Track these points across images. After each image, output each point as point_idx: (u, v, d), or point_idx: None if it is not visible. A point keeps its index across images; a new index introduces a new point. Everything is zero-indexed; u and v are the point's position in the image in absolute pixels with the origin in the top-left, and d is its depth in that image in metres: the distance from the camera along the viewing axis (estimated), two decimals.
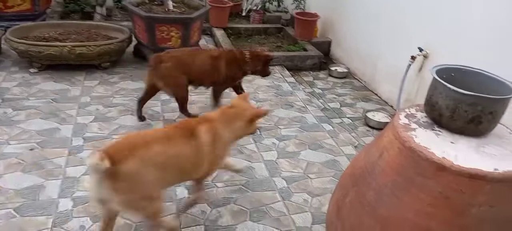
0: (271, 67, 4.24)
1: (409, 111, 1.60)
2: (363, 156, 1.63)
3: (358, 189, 1.56)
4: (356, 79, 4.34)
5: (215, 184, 2.36)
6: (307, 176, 2.53)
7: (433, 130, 1.47)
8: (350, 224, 1.55)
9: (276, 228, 2.08)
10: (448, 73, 1.55)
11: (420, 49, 3.33)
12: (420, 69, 3.42)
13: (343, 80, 4.26)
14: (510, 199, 1.28)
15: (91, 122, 2.86)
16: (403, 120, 1.52)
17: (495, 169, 1.26)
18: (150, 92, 2.92)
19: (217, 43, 4.78)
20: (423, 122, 1.52)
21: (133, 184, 1.64)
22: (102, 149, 1.58)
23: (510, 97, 1.34)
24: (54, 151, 2.50)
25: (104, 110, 3.03)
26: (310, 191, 2.40)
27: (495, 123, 1.41)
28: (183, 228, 2.02)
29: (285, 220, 2.15)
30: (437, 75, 1.46)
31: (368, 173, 1.53)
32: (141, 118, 2.94)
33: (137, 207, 1.72)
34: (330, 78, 4.29)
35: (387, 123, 3.31)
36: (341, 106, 3.64)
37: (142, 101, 2.94)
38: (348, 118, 3.44)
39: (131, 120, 2.93)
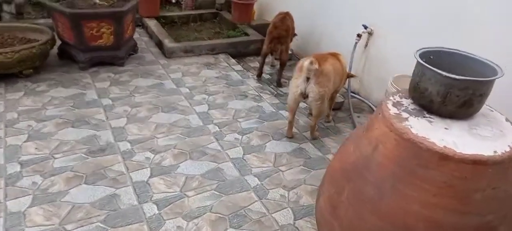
0: (215, 56, 4.11)
1: (395, 99, 1.57)
2: (353, 149, 1.58)
3: (354, 185, 1.50)
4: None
5: (185, 194, 2.17)
6: (278, 169, 2.45)
7: (424, 117, 1.45)
8: (349, 223, 1.50)
9: None
10: (427, 57, 1.54)
11: (365, 27, 3.38)
12: (366, 45, 3.49)
13: (289, 63, 4.21)
14: (508, 177, 1.31)
15: (25, 142, 2.46)
16: (392, 109, 1.49)
17: (495, 152, 1.27)
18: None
19: (151, 35, 4.44)
20: (411, 109, 1.50)
21: (327, 80, 2.57)
22: (310, 57, 2.49)
23: (498, 77, 1.36)
24: None
25: (38, 126, 2.63)
26: (284, 185, 2.32)
27: (483, 103, 1.43)
28: None
29: (266, 221, 2.05)
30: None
31: (363, 167, 1.48)
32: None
33: (323, 100, 2.60)
34: (275, 62, 4.22)
35: (342, 102, 3.37)
36: None
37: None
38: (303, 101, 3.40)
39: (75, 133, 2.58)
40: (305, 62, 2.49)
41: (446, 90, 1.38)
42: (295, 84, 2.59)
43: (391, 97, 1.58)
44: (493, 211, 1.30)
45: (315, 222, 2.04)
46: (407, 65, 2.91)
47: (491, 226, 1.31)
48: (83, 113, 2.81)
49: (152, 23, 4.59)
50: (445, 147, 1.28)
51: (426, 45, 1.58)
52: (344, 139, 1.97)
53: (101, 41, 3.45)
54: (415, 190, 1.33)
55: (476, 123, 1.43)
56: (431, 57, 1.54)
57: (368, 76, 3.53)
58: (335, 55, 2.80)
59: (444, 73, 1.36)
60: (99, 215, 1.97)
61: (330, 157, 2.62)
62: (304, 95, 2.58)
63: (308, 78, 2.53)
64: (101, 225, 1.92)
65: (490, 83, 1.38)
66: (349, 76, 3.11)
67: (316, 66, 2.46)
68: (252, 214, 2.09)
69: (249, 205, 2.15)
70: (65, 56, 3.61)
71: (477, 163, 1.25)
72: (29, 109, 2.82)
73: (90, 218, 1.95)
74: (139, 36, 4.42)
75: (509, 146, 1.31)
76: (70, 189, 2.12)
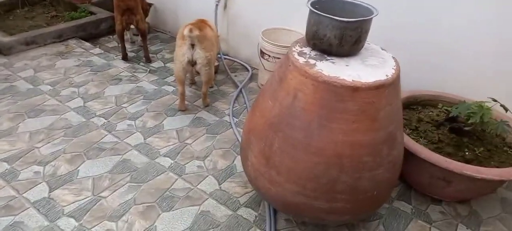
0: (64, 43, 3.64)
1: (297, 49, 1.76)
2: (272, 104, 1.72)
3: (283, 134, 1.67)
4: (160, 31, 4.20)
5: (100, 196, 2.00)
6: (185, 143, 2.46)
7: (326, 60, 1.68)
8: (286, 167, 1.67)
9: (194, 206, 2.00)
10: (314, 6, 1.76)
11: None
12: (225, 7, 3.62)
13: (149, 36, 4.05)
14: (396, 93, 1.66)
15: None
16: (300, 59, 1.67)
17: (387, 76, 1.59)
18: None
19: None
20: (314, 55, 1.71)
21: (211, 44, 2.65)
22: (187, 25, 2.48)
23: (376, 15, 1.66)
24: None
25: None
26: (197, 156, 2.36)
27: (366, 39, 1.74)
28: None
29: (194, 194, 2.08)
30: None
31: (287, 116, 1.65)
32: None
33: (211, 64, 2.65)
34: (134, 38, 4.00)
35: (217, 65, 3.46)
36: (164, 64, 3.51)
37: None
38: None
39: None
40: (184, 31, 2.48)
41: (342, 33, 1.62)
42: (181, 53, 2.57)
43: (293, 49, 1.76)
44: (392, 122, 1.65)
45: (238, 180, 2.19)
46: (267, 19, 3.22)
47: (393, 135, 1.66)
48: None
49: None
50: (353, 80, 1.54)
51: None
52: (254, 99, 2.09)
53: None
54: (338, 122, 1.57)
55: (364, 56, 1.73)
56: (317, 6, 1.76)
57: (233, 36, 3.70)
58: (204, 21, 2.85)
59: (339, 18, 1.59)
60: None
61: (227, 118, 2.75)
62: (192, 63, 2.59)
63: (193, 45, 2.54)
64: None
65: (371, 20, 1.68)
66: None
67: (196, 32, 2.49)
68: (178, 192, 2.08)
69: (171, 185, 2.12)
70: None
71: (379, 87, 1.55)
72: None
73: None
74: None
75: (393, 68, 1.65)
76: None
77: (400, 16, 2.58)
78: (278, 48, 2.95)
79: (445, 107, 2.42)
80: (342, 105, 1.55)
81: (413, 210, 2.12)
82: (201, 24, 2.69)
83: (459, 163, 1.95)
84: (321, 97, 1.57)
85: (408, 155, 2.03)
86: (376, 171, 1.66)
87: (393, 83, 1.60)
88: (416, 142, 2.11)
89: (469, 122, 2.06)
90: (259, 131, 1.78)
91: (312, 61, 1.65)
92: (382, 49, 1.82)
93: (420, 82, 2.61)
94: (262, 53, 3.08)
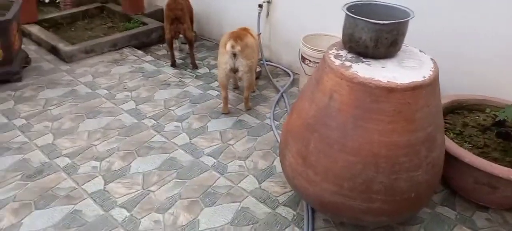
0: (119, 52, 3.92)
1: (333, 52, 1.81)
2: (309, 105, 1.78)
3: (319, 135, 1.72)
4: (205, 39, 4.40)
5: (149, 190, 2.16)
6: (227, 144, 2.57)
7: (362, 62, 1.71)
8: (323, 166, 1.72)
9: (235, 202, 2.10)
10: (350, 10, 1.80)
11: None
12: (267, 15, 3.73)
13: (196, 44, 4.25)
14: (435, 95, 1.66)
15: None
16: (336, 61, 1.72)
17: (424, 77, 1.60)
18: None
19: (39, 42, 4.00)
20: (350, 58, 1.75)
21: (252, 51, 2.77)
22: (230, 39, 2.62)
23: (413, 17, 1.68)
24: None
25: None
26: (239, 156, 2.46)
27: (403, 41, 1.75)
28: None
29: (236, 191, 2.18)
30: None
31: (324, 116, 1.70)
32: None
33: (252, 71, 2.80)
34: (182, 46, 4.21)
35: (259, 71, 3.57)
36: (210, 70, 3.68)
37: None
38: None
39: None
40: (227, 46, 2.62)
41: (377, 35, 1.65)
42: (223, 61, 2.69)
43: (330, 52, 1.81)
44: (431, 124, 1.65)
45: (277, 180, 2.26)
46: (307, 25, 3.27)
47: (432, 136, 1.66)
48: None
49: (35, 29, 4.14)
50: (388, 81, 1.56)
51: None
52: (293, 101, 2.16)
53: None
54: (373, 123, 1.60)
55: (401, 58, 1.75)
56: (353, 10, 1.80)
57: (275, 43, 3.80)
58: (246, 30, 2.97)
59: (374, 21, 1.63)
60: None
61: (268, 121, 2.83)
62: (234, 70, 2.71)
63: (234, 54, 2.66)
64: None
65: (407, 23, 1.70)
66: None
67: (238, 48, 2.62)
68: (220, 189, 2.19)
69: (214, 183, 2.24)
70: None
71: (415, 88, 1.56)
72: None
73: None
74: (24, 46, 3.95)
75: (430, 70, 1.65)
76: (22, 219, 1.93)
77: (446, 21, 2.54)
78: (318, 53, 3.00)
79: (493, 112, 2.34)
80: (377, 106, 1.58)
81: (457, 216, 2.07)
82: (242, 32, 2.81)
83: (505, 168, 1.89)
84: (356, 98, 1.61)
85: (452, 159, 2.00)
86: (414, 173, 1.66)
87: (430, 85, 1.61)
88: (460, 146, 2.07)
89: None
90: (296, 131, 1.85)
91: (348, 63, 1.69)
92: (421, 52, 1.83)
93: (466, 88, 2.55)
94: (303, 59, 3.15)
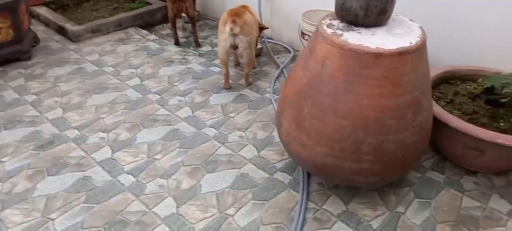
0: (124, 31, 4.02)
1: (326, 22, 1.89)
2: (303, 72, 1.88)
3: (312, 101, 1.82)
4: (209, 19, 4.47)
5: (153, 158, 2.28)
6: (228, 116, 2.68)
7: (353, 30, 1.79)
8: (316, 130, 1.82)
9: (234, 169, 2.22)
10: None
11: None
12: None
13: (199, 23, 4.33)
14: (421, 61, 1.74)
15: None
16: (328, 30, 1.80)
17: (411, 43, 1.68)
18: None
19: (47, 23, 4.12)
20: (342, 26, 1.83)
21: (251, 28, 2.85)
22: (229, 19, 2.70)
23: None
24: None
25: None
26: (239, 127, 2.57)
27: (392, 10, 1.83)
28: None
29: (235, 159, 2.29)
30: None
31: (316, 83, 1.80)
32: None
33: (251, 47, 2.87)
34: (185, 25, 4.30)
35: (261, 48, 3.65)
36: (212, 48, 3.77)
37: None
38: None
39: (11, 134, 2.43)
40: (226, 27, 2.71)
41: (367, 3, 1.73)
42: (223, 38, 2.78)
43: (323, 22, 1.90)
44: (417, 88, 1.73)
45: (275, 149, 2.37)
46: (307, 2, 3.33)
47: (418, 100, 1.75)
48: (11, 114, 2.63)
49: (43, 11, 4.25)
50: (377, 47, 1.65)
51: None
52: (290, 70, 2.24)
53: None
54: (362, 87, 1.69)
55: (391, 26, 1.83)
56: None
57: (276, 20, 3.86)
58: (245, 7, 3.03)
59: None
60: (78, 198, 2.00)
61: (267, 95, 2.93)
62: (234, 47, 2.80)
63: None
64: (85, 205, 1.96)
65: None
66: (263, 28, 3.31)
67: (237, 29, 2.70)
68: (221, 157, 2.31)
69: (215, 151, 2.36)
70: None
71: (402, 54, 1.65)
72: None
73: (71, 202, 1.97)
74: (33, 27, 4.06)
75: (418, 37, 1.73)
76: (36, 184, 2.07)
77: None
78: None
79: (485, 82, 2.41)
80: (366, 71, 1.67)
81: (446, 180, 2.17)
82: (241, 10, 2.89)
83: (491, 132, 1.97)
84: (346, 64, 1.70)
85: (441, 125, 2.09)
86: (400, 134, 1.76)
87: (417, 51, 1.69)
88: (450, 113, 2.15)
89: (503, 91, 2.06)
90: (291, 99, 1.95)
91: (339, 32, 1.78)
92: (411, 20, 1.90)
93: (459, 58, 2.61)
94: (302, 34, 3.22)
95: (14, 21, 3.20)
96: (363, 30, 1.79)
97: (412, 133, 1.79)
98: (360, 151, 1.77)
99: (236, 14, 2.76)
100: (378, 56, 1.64)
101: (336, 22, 1.87)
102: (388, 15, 1.81)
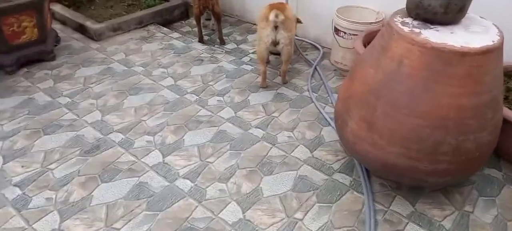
0: (146, 29, 3.90)
1: (398, 20, 1.84)
2: (374, 71, 1.83)
3: (386, 100, 1.77)
4: (227, 15, 4.38)
5: (207, 161, 2.21)
6: (272, 116, 2.62)
7: (430, 28, 1.75)
8: (389, 130, 1.77)
9: (291, 170, 2.16)
10: None
11: None
12: None
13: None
14: (500, 58, 1.71)
15: (4, 164, 2.14)
16: (404, 28, 1.75)
17: (493, 41, 1.65)
18: None
19: (64, 21, 3.97)
20: (417, 24, 1.78)
21: (291, 24, 2.82)
22: (273, 10, 2.63)
23: None
24: None
25: (6, 144, 2.28)
26: (285, 128, 2.51)
27: (469, 7, 1.79)
28: None
29: (290, 161, 2.23)
30: None
31: (391, 81, 1.75)
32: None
33: (292, 43, 2.83)
34: (205, 22, 4.20)
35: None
36: (237, 45, 3.69)
37: None
38: (252, 53, 3.52)
39: (53, 140, 2.32)
40: (270, 16, 2.62)
41: (448, 1, 1.69)
42: (265, 34, 2.71)
43: (395, 20, 1.84)
44: (496, 86, 1.70)
45: (328, 149, 2.32)
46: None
47: (497, 99, 1.72)
48: (48, 118, 2.52)
49: (57, 8, 4.09)
50: (462, 46, 1.61)
51: None
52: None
53: (24, 37, 3.01)
54: (443, 86, 1.65)
55: (467, 24, 1.79)
56: None
57: (302, 17, 3.77)
58: (283, 4, 2.96)
59: None
60: (140, 205, 1.91)
61: (306, 93, 2.87)
62: (275, 43, 2.73)
63: (276, 27, 2.68)
64: (148, 212, 1.88)
65: None
66: (299, 21, 3.29)
67: (282, 17, 2.63)
68: (274, 159, 2.25)
69: (267, 153, 2.29)
70: None
71: (486, 52, 1.61)
72: None
73: (133, 210, 1.89)
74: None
75: (497, 35, 1.70)
76: (92, 192, 1.98)
77: None
78: (353, 24, 3.02)
79: None
80: (449, 70, 1.63)
81: (505, 177, 2.16)
82: (281, 6, 2.82)
83: None
84: (427, 62, 1.65)
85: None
86: (480, 134, 1.73)
87: (499, 48, 1.66)
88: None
89: None
90: (359, 98, 1.89)
91: (416, 30, 1.73)
92: (482, 18, 1.87)
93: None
94: (336, 31, 3.17)
95: (40, 20, 3.06)
96: (440, 28, 1.74)
97: (489, 132, 1.76)
98: (438, 151, 1.73)
99: (278, 8, 2.69)
100: (463, 55, 1.60)
101: (409, 20, 1.82)
102: (465, 13, 1.77)
